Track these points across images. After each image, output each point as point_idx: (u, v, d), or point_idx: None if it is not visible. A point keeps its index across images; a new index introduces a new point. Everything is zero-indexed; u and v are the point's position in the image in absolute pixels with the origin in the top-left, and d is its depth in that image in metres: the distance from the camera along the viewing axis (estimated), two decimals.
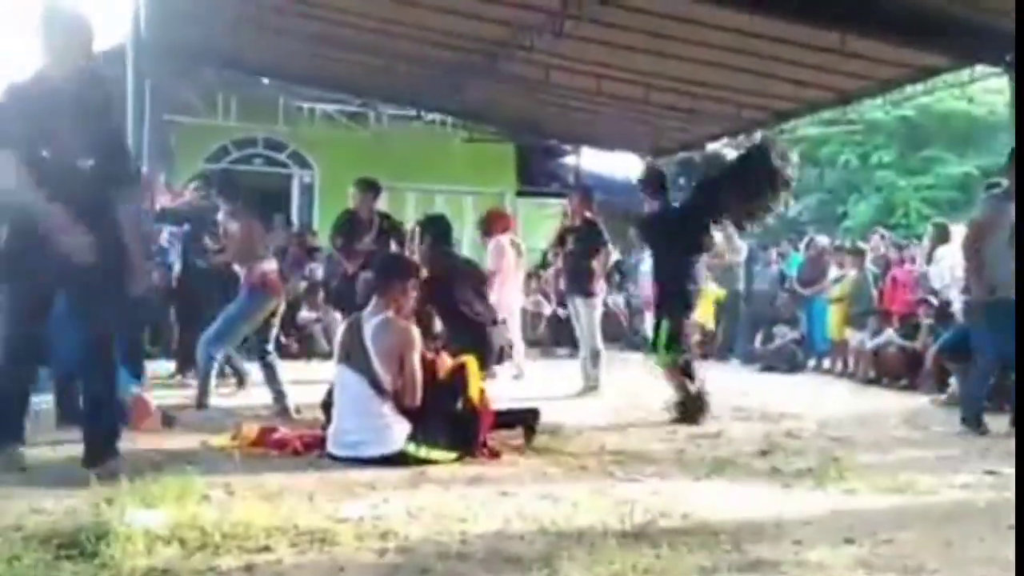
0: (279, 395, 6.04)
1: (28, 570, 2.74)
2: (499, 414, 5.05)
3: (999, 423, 5.80)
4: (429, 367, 4.82)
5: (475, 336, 5.89)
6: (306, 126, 14.30)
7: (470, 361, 4.91)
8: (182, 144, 13.60)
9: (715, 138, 11.99)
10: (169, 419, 5.41)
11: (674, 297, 6.35)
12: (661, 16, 7.82)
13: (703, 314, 9.52)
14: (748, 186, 6.07)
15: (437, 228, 6.28)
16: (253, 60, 11.74)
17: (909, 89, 9.21)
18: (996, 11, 6.31)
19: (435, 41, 9.55)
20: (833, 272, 11.11)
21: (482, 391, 4.89)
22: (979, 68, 8.15)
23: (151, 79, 9.18)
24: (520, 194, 17.23)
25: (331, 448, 4.63)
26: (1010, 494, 3.91)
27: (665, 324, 6.31)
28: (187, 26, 9.59)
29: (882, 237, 12.01)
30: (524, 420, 5.22)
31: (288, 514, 3.43)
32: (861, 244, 11.43)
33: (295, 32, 9.80)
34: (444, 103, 12.70)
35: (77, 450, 4.53)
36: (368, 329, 4.71)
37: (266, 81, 12.93)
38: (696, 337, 6.97)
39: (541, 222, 17.62)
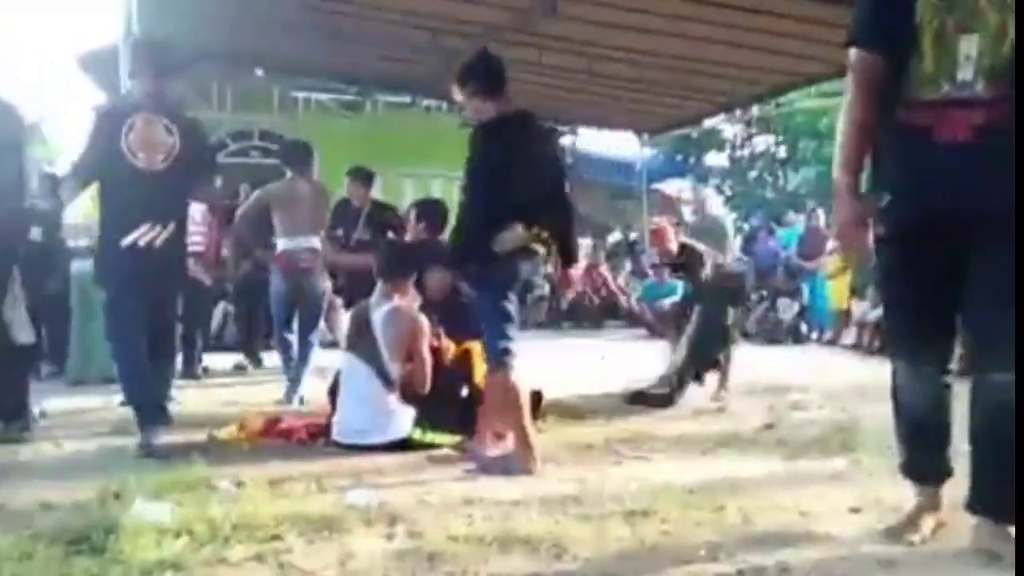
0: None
1: (39, 567, 2.75)
2: None
3: None
4: (435, 354, 4.84)
5: (464, 317, 5.91)
6: (301, 116, 14.27)
7: (474, 346, 4.91)
8: None
9: (711, 115, 11.95)
10: None
11: None
12: None
13: None
14: None
15: (432, 213, 6.23)
16: (246, 51, 11.68)
17: None
18: None
19: (428, 27, 9.50)
20: (830, 245, 11.11)
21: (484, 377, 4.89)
22: None
23: None
24: None
25: (337, 436, 4.64)
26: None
27: None
28: (179, 20, 9.54)
29: None
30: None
31: (296, 503, 3.45)
32: None
33: (287, 21, 9.75)
34: (439, 89, 12.65)
35: (82, 446, 4.58)
36: (377, 318, 4.72)
37: (260, 72, 12.88)
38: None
39: None
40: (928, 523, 3.03)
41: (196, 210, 7.76)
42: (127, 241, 4.51)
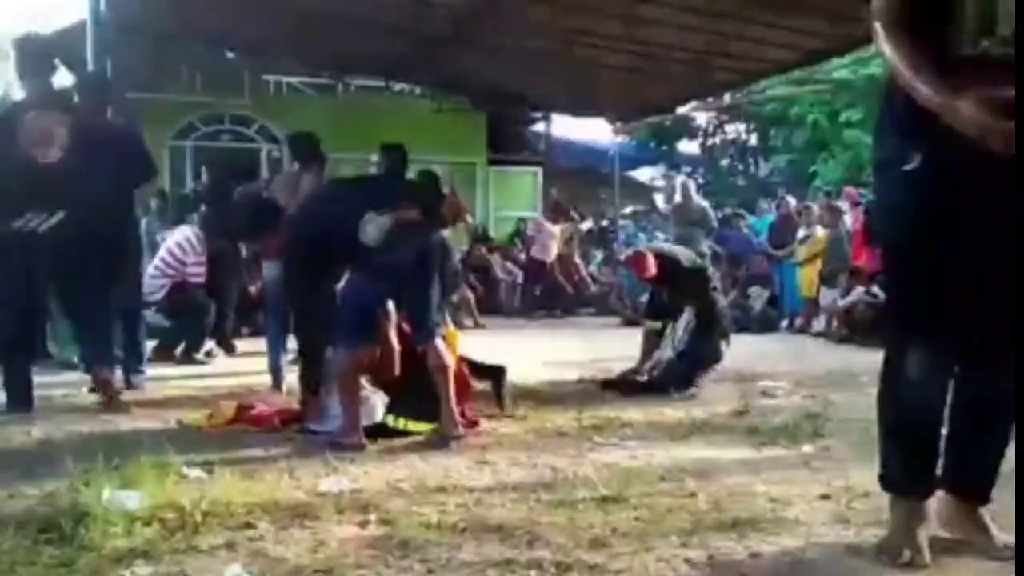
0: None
1: (7, 556, 2.71)
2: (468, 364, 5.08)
3: None
4: (406, 339, 4.81)
5: None
6: (273, 100, 14.14)
7: (449, 333, 4.90)
8: (148, 122, 13.39)
9: (684, 101, 11.98)
10: None
11: None
12: None
13: None
14: None
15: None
16: (216, 33, 11.55)
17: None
18: None
19: (401, 9, 9.44)
20: (800, 233, 11.20)
21: (459, 361, 4.89)
22: None
23: (113, 57, 9.01)
24: (492, 163, 17.17)
25: (309, 423, 4.62)
26: None
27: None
28: (148, 1, 9.41)
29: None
30: (492, 375, 5.24)
31: (268, 490, 3.43)
32: (839, 203, 11.46)
33: (259, 4, 9.65)
34: (412, 73, 12.58)
35: (51, 433, 4.52)
36: None
37: (230, 55, 12.73)
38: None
39: (513, 191, 17.57)
40: (925, 542, 2.73)
41: (195, 238, 7.85)
42: (16, 225, 4.94)
